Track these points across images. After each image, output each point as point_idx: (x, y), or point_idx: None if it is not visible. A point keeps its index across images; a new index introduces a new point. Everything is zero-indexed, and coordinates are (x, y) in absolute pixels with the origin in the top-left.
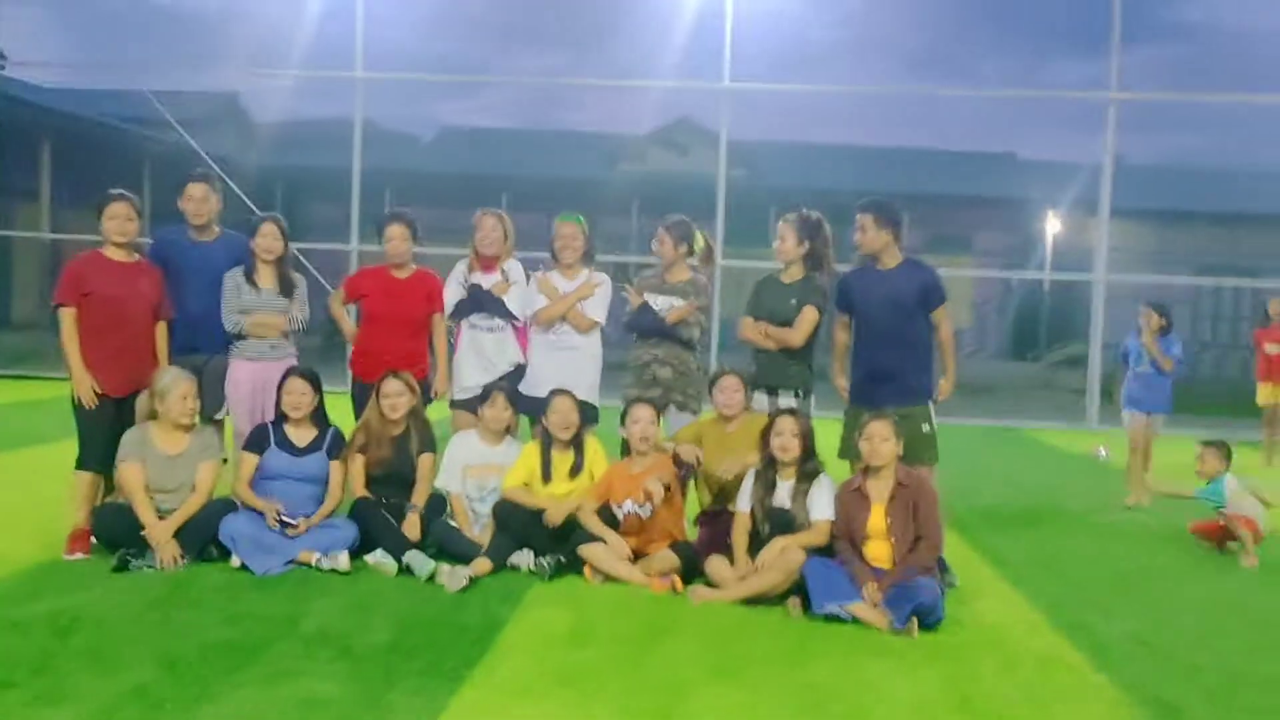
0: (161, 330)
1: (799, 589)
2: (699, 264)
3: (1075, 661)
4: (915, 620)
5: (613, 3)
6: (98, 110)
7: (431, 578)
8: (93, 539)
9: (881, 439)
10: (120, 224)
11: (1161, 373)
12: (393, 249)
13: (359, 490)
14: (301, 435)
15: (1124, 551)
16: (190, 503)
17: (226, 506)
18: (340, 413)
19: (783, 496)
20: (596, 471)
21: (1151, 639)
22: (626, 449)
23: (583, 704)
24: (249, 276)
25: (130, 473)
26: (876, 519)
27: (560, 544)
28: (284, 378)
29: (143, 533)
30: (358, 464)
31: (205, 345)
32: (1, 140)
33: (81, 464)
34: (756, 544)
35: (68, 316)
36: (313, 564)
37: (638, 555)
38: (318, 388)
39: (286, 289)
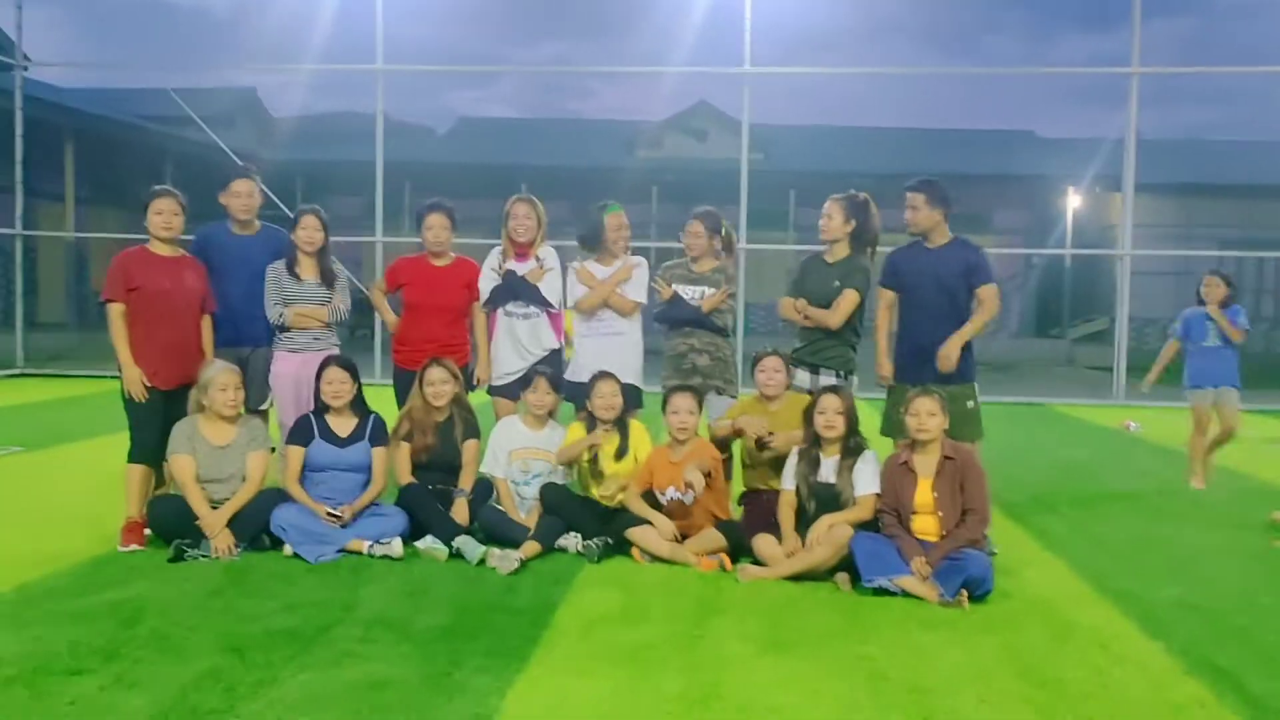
0: (207, 323)
1: (846, 564)
2: (723, 252)
3: (1126, 629)
4: (965, 592)
5: None
6: (119, 109)
7: (482, 561)
8: (147, 531)
9: (929, 413)
10: (166, 219)
11: (1229, 344)
12: (432, 238)
13: (404, 478)
14: (343, 425)
15: (1171, 532)
16: (242, 492)
17: (278, 496)
18: (374, 403)
19: (827, 473)
20: (641, 455)
21: (1200, 604)
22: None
23: (643, 680)
24: (291, 269)
25: (181, 464)
26: (924, 493)
27: (607, 526)
28: (321, 367)
29: (196, 523)
30: (403, 452)
31: (248, 338)
32: (26, 142)
33: (133, 457)
34: (802, 521)
35: (116, 312)
36: (364, 552)
37: (683, 537)
38: (355, 376)
39: (328, 280)
